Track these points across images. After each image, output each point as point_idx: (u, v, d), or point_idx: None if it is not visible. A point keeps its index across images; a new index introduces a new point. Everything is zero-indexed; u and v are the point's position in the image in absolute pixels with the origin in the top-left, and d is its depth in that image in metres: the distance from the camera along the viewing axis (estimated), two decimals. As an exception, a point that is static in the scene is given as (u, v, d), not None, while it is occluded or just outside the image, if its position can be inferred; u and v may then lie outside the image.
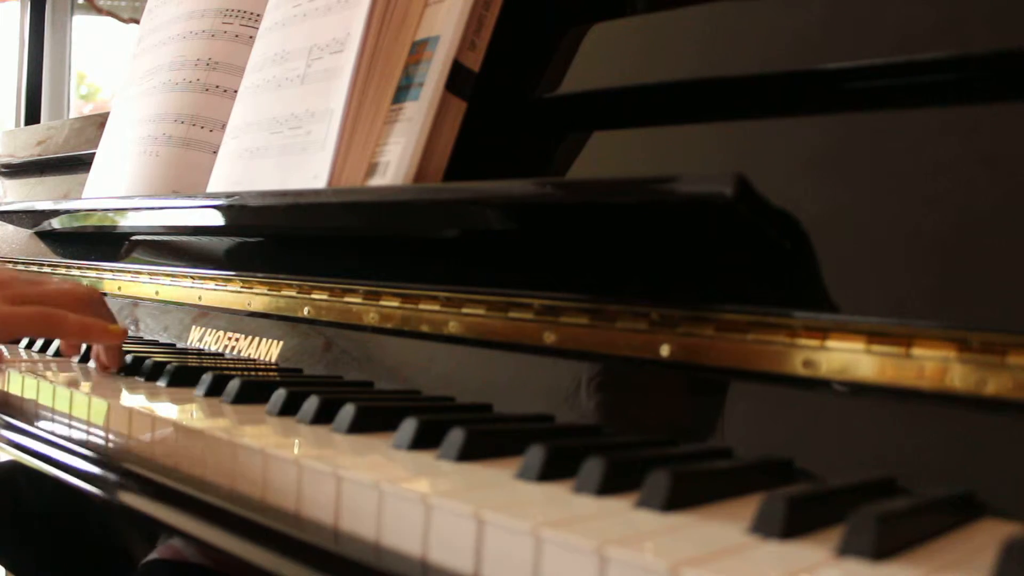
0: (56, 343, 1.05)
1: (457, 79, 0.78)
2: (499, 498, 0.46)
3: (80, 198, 1.18)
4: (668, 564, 0.36)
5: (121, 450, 0.68)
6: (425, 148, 0.77)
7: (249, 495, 0.56)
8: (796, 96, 0.64)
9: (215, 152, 0.99)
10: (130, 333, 1.13)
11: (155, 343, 1.09)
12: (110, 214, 1.12)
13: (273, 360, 0.93)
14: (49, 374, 0.84)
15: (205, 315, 1.05)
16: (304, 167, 0.83)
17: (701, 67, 0.69)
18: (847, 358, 0.55)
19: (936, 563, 0.39)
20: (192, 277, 1.08)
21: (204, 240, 1.09)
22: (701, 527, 0.42)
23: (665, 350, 0.62)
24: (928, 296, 0.53)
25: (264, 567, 0.49)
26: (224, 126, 0.99)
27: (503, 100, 0.81)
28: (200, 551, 0.94)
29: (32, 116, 2.22)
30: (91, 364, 0.93)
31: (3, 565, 1.25)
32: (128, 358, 0.89)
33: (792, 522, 0.41)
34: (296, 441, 0.59)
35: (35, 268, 1.40)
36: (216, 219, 0.95)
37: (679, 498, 0.45)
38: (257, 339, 0.96)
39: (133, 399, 0.72)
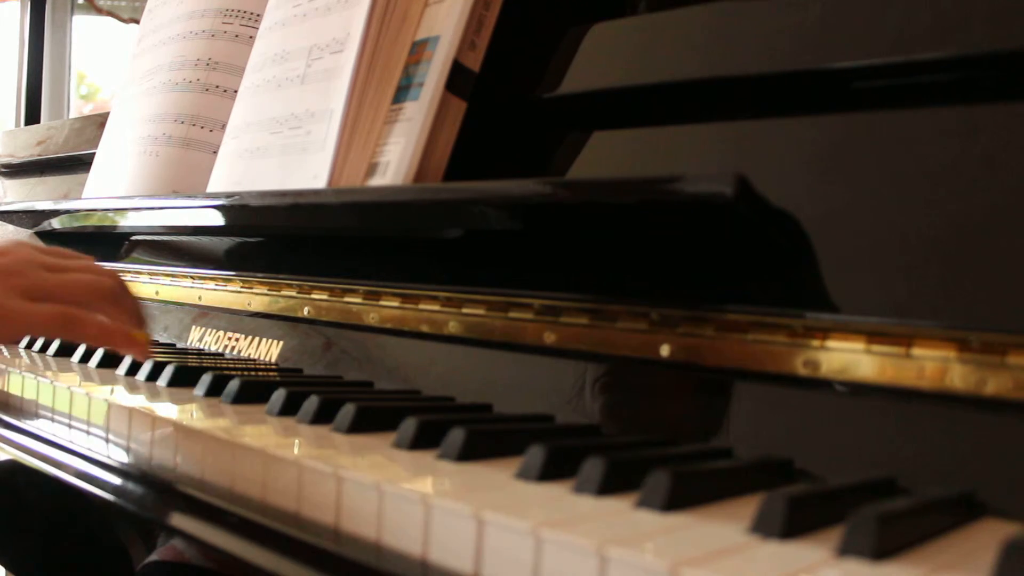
0: (57, 341, 1.05)
1: (457, 79, 0.78)
2: (499, 498, 0.46)
3: (80, 198, 1.18)
4: (668, 564, 0.36)
5: (121, 450, 0.68)
6: (425, 148, 0.77)
7: (249, 495, 0.56)
8: (796, 96, 0.64)
9: (215, 152, 0.99)
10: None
11: (155, 343, 1.08)
12: (110, 214, 1.12)
13: (273, 360, 0.93)
14: (49, 374, 0.84)
15: (205, 315, 1.05)
16: (304, 167, 0.83)
17: (700, 67, 0.69)
18: (847, 358, 0.55)
19: (936, 563, 0.39)
20: (192, 277, 1.08)
21: (204, 240, 1.09)
22: (701, 527, 0.42)
23: (665, 350, 0.62)
24: (928, 296, 0.53)
25: (264, 567, 0.49)
26: (224, 126, 0.99)
27: (503, 100, 0.81)
28: (202, 552, 0.94)
29: (32, 116, 2.22)
30: (91, 364, 0.93)
31: (3, 565, 1.25)
32: (128, 359, 0.89)
33: (792, 522, 0.41)
34: (296, 441, 0.59)
35: (35, 268, 1.40)
36: (216, 219, 0.95)
37: (679, 498, 0.45)
38: (257, 339, 0.96)
39: (133, 399, 0.72)
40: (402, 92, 0.80)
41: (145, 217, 1.08)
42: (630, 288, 0.66)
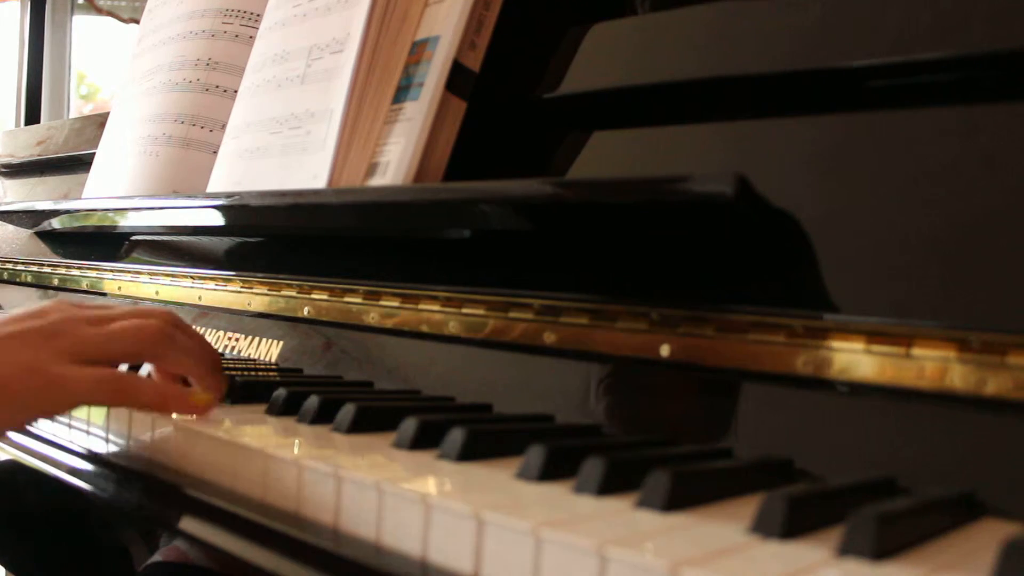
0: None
1: (457, 79, 0.78)
2: (499, 498, 0.46)
3: (80, 198, 1.18)
4: (668, 564, 0.36)
5: (121, 450, 0.68)
6: (425, 148, 0.77)
7: (249, 495, 0.56)
8: (797, 96, 0.64)
9: (215, 152, 0.99)
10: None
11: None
12: (110, 214, 1.12)
13: (273, 360, 0.93)
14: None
15: (205, 315, 1.05)
16: (304, 167, 0.83)
17: (700, 67, 0.69)
18: (847, 358, 0.55)
19: (936, 563, 0.39)
20: (192, 277, 1.08)
21: (204, 240, 1.09)
22: (701, 527, 0.42)
23: (665, 350, 0.62)
24: (928, 296, 0.53)
25: (264, 567, 0.49)
26: (224, 126, 0.99)
27: (503, 100, 0.81)
28: (205, 553, 0.94)
29: (32, 116, 2.22)
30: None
31: (3, 565, 1.25)
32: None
33: (792, 522, 0.41)
34: (296, 441, 0.59)
35: (35, 268, 1.40)
36: (216, 219, 0.95)
37: (679, 498, 0.45)
38: (257, 339, 0.96)
39: (133, 399, 0.72)
40: (402, 92, 0.80)
41: (145, 217, 1.08)
42: (630, 288, 0.66)
